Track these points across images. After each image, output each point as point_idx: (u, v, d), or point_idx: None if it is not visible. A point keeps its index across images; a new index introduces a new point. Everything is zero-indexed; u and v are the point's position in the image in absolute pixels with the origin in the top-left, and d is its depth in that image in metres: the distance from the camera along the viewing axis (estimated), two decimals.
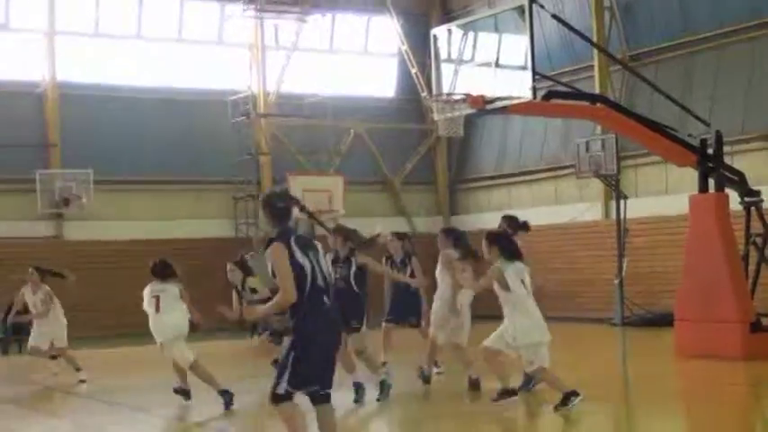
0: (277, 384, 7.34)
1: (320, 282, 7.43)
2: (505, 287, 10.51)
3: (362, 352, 12.24)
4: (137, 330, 14.97)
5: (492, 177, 29.07)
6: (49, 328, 15.98)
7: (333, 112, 27.61)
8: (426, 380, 13.20)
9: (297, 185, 26.39)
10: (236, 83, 27.71)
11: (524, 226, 12.61)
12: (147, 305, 12.65)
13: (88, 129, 25.45)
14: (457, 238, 12.71)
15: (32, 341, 16.10)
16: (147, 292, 12.72)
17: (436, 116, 16.65)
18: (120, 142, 25.80)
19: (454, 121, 16.35)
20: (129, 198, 25.96)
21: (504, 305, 10.73)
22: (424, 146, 30.28)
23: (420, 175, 30.36)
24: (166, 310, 12.60)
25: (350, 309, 11.86)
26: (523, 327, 10.62)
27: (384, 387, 12.17)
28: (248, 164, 27.41)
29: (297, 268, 7.30)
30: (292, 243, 7.35)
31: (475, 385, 12.31)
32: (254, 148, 27.74)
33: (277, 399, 7.37)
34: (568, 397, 10.52)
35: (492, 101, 15.18)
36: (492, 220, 24.50)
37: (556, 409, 10.53)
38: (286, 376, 7.30)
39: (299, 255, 7.33)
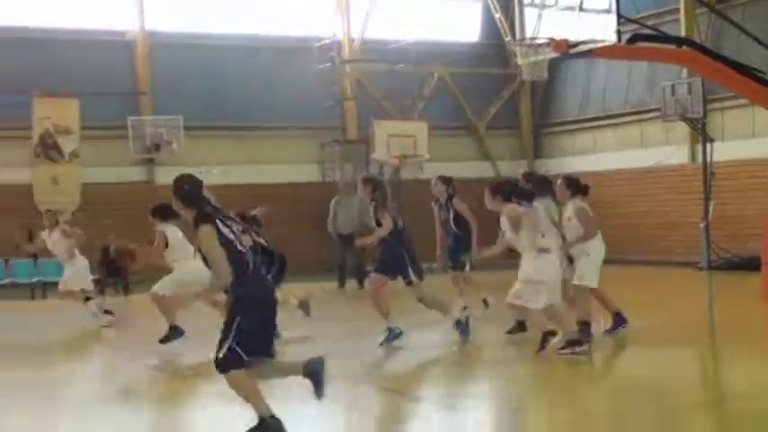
0: (219, 349, 7.33)
1: (251, 253, 7.54)
2: (518, 228, 10.95)
3: (423, 299, 12.45)
4: None
5: (576, 121, 28.94)
6: (71, 269, 16.44)
7: (417, 58, 27.65)
8: (521, 326, 12.86)
9: (381, 131, 26.69)
10: (322, 29, 27.92)
11: (584, 190, 12.29)
12: (190, 250, 12.73)
13: (177, 76, 25.89)
14: (528, 181, 12.80)
15: (60, 285, 16.57)
16: (180, 236, 13.04)
17: (520, 60, 16.70)
18: (209, 89, 26.21)
19: (538, 64, 16.40)
20: (218, 144, 26.40)
21: (520, 249, 11.12)
22: (507, 90, 30.22)
23: (504, 120, 30.33)
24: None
25: (390, 262, 12.26)
26: (536, 264, 10.92)
27: (459, 326, 12.36)
28: (334, 109, 27.64)
29: (230, 245, 7.37)
30: (218, 223, 7.41)
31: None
32: (339, 93, 27.98)
33: (220, 365, 7.34)
34: (545, 338, 11.10)
35: (576, 44, 15.21)
36: (576, 165, 24.63)
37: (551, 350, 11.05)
38: (230, 338, 7.29)
39: (226, 231, 7.42)
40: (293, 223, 24.73)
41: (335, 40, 27.86)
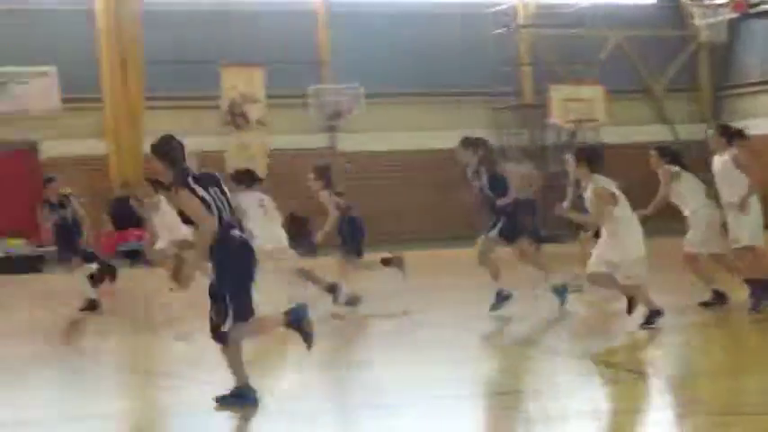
0: (222, 323, 7.53)
1: (225, 215, 7.60)
2: (613, 202, 10.30)
3: (483, 261, 12.30)
4: (399, 237, 15.88)
5: (758, 83, 28.32)
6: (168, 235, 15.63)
7: (592, 21, 27.61)
8: (720, 297, 11.76)
9: (557, 95, 26.86)
10: None
11: (741, 135, 11.50)
12: (253, 212, 12.90)
13: (357, 45, 26.54)
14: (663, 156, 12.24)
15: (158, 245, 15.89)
16: (251, 198, 12.97)
17: (698, 21, 16.66)
18: (387, 57, 26.74)
19: (716, 25, 16.32)
20: (396, 110, 26.96)
21: (605, 223, 10.46)
22: (685, 52, 29.74)
23: (682, 82, 29.89)
24: (273, 216, 13.19)
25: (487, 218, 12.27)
26: (628, 242, 10.35)
27: (556, 290, 12.25)
28: (509, 75, 27.89)
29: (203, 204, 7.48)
30: (190, 182, 7.52)
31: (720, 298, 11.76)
32: (515, 58, 28.20)
33: (223, 338, 7.58)
34: (653, 315, 10.50)
35: (756, 4, 15.09)
36: (758, 127, 24.20)
37: (641, 326, 10.52)
38: (230, 313, 7.51)
39: (200, 191, 7.51)
40: (469, 189, 25.16)
41: (511, 5, 28.11)
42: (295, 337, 7.93)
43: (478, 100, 27.76)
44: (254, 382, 7.80)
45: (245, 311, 7.63)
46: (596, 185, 10.34)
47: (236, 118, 25.27)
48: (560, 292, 12.24)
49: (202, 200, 7.50)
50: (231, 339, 7.60)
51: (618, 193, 10.45)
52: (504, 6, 27.80)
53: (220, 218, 7.57)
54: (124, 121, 24.55)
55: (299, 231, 21.83)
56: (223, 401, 7.71)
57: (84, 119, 24.77)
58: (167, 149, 7.69)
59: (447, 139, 27.16)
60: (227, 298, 7.52)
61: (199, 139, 24.74)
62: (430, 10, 27.58)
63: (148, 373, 9.95)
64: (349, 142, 26.67)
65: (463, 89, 27.37)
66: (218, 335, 7.61)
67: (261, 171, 24.51)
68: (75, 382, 9.81)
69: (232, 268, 7.59)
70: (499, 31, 27.58)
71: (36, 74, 24.47)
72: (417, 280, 14.20)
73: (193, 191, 7.50)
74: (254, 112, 25.43)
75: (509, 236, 12.23)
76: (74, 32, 24.58)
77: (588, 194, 10.48)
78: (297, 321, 7.81)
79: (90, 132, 24.92)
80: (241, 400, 7.69)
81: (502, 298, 12.14)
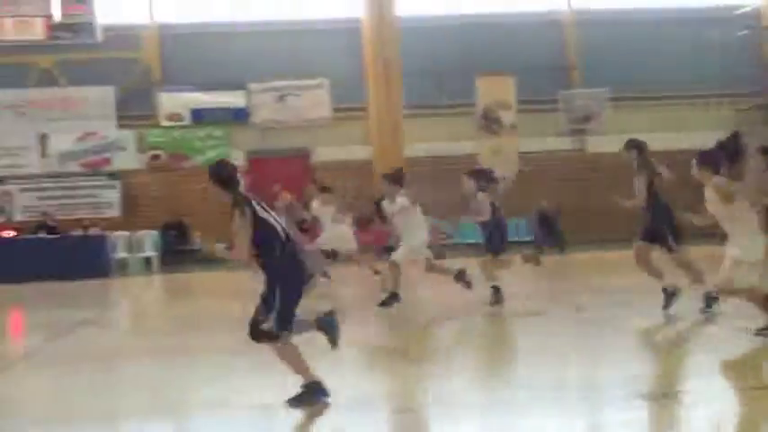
0: (263, 322, 7.76)
1: (282, 233, 7.85)
2: (730, 201, 9.83)
3: (682, 266, 12.28)
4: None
5: None
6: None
7: None
8: None
9: None
10: None
11: None
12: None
13: (604, 51, 27.79)
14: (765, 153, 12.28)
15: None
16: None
17: None
18: (633, 61, 27.72)
19: None
20: (642, 113, 27.77)
21: (726, 224, 10.01)
22: None
23: None
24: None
25: (649, 230, 12.23)
26: (749, 244, 9.89)
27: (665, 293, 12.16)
28: (754, 75, 28.33)
29: (263, 224, 7.76)
30: (254, 204, 7.81)
31: None
32: (760, 59, 28.68)
33: (260, 335, 7.83)
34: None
35: None
36: None
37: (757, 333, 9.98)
38: (275, 317, 7.72)
39: (261, 212, 7.81)
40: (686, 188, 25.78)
41: (755, 7, 28.66)
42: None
43: (724, 100, 28.31)
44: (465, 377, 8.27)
45: (288, 323, 7.81)
46: (713, 183, 9.97)
47: (490, 123, 27.05)
48: (671, 294, 12.09)
49: (265, 221, 7.80)
50: (275, 338, 7.83)
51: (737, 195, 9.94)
52: (748, 9, 28.39)
53: (287, 235, 7.92)
54: (386, 129, 26.76)
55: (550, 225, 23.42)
56: (294, 401, 7.83)
57: (351, 127, 27.17)
58: (224, 174, 7.91)
59: (694, 140, 27.86)
60: (278, 305, 7.75)
61: (454, 144, 26.80)
62: (674, 15, 28.45)
63: (407, 360, 10.22)
64: (598, 144, 27.85)
65: (708, 90, 28.02)
66: (257, 332, 7.85)
67: (512, 171, 26.36)
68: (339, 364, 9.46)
69: (291, 282, 7.86)
70: (744, 32, 28.15)
71: (310, 86, 27.26)
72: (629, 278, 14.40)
73: (255, 213, 7.78)
74: (507, 117, 27.12)
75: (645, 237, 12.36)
76: (342, 48, 27.07)
77: (706, 195, 10.09)
78: (327, 326, 8.18)
79: (356, 139, 27.25)
80: (313, 396, 7.85)
81: (670, 294, 12.08)
